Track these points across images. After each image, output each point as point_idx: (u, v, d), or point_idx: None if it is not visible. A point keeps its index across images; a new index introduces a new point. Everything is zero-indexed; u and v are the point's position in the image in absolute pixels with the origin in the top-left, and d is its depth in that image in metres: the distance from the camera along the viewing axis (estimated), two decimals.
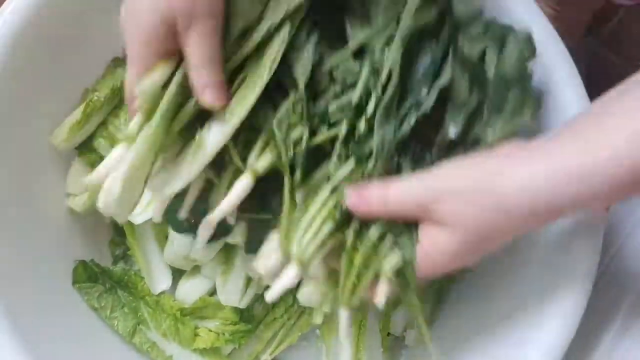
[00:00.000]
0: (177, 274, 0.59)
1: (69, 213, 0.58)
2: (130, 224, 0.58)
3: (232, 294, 0.55)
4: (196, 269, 0.59)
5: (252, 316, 0.56)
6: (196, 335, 0.56)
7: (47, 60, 0.53)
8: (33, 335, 0.48)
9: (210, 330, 0.56)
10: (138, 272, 0.58)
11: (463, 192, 0.38)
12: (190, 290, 0.59)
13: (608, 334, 0.48)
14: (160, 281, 0.58)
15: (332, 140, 0.45)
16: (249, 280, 0.56)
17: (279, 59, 0.44)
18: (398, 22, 0.46)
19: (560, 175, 0.36)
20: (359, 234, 0.42)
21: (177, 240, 0.53)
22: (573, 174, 0.36)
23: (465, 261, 0.40)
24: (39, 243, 0.55)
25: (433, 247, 0.40)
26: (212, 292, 0.58)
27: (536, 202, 0.37)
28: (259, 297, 0.57)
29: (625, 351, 0.46)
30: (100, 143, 0.59)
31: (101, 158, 0.55)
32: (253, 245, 0.49)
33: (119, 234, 0.62)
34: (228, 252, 0.56)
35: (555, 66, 0.50)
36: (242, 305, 0.56)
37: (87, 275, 0.56)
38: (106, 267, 0.58)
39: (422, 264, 0.40)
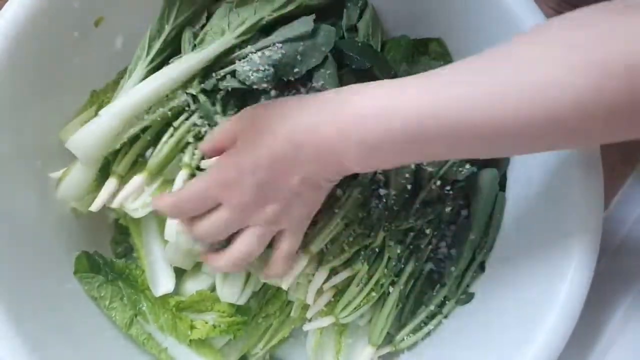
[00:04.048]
0: (178, 273, 0.60)
1: (72, 211, 0.59)
2: (135, 224, 0.59)
3: (231, 291, 0.56)
4: (196, 268, 0.59)
5: (249, 309, 0.57)
6: (192, 327, 0.56)
7: (53, 58, 0.54)
8: (31, 326, 0.49)
9: (207, 323, 0.56)
10: (139, 266, 0.59)
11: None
12: (191, 290, 0.59)
13: (606, 332, 0.47)
14: (163, 284, 0.58)
15: None
16: (247, 278, 0.56)
17: None
18: None
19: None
20: None
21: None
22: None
23: None
24: (42, 240, 0.55)
25: None
26: (212, 289, 0.58)
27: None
28: (255, 293, 0.57)
29: (623, 348, 0.45)
30: None
31: (107, 161, 0.57)
32: None
33: (121, 233, 0.63)
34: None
35: None
36: (241, 302, 0.56)
37: (89, 265, 0.57)
38: (109, 259, 0.59)
39: None
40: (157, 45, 0.57)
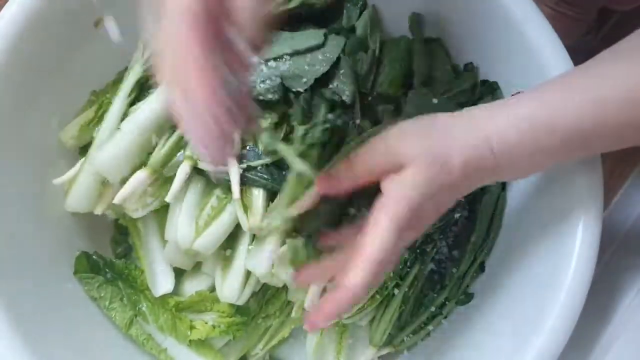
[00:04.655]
0: (177, 273, 0.60)
1: (72, 212, 0.59)
2: (135, 224, 0.59)
3: (230, 291, 0.55)
4: (196, 268, 0.60)
5: (248, 309, 0.57)
6: (192, 327, 0.56)
7: (53, 58, 0.54)
8: (31, 326, 0.49)
9: (206, 323, 0.56)
10: (139, 266, 0.59)
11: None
12: (190, 290, 0.59)
13: (607, 331, 0.47)
14: (162, 284, 0.58)
15: None
16: (247, 278, 0.56)
17: None
18: None
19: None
20: None
21: (181, 231, 0.53)
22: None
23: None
24: (42, 240, 0.56)
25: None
26: (211, 289, 0.58)
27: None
28: (255, 293, 0.57)
29: (624, 346, 0.45)
30: None
31: None
32: None
33: (120, 233, 0.63)
34: (228, 248, 0.56)
35: (553, 66, 0.50)
36: (240, 302, 0.56)
37: (89, 265, 0.57)
38: (108, 258, 0.59)
39: None
40: None
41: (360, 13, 0.58)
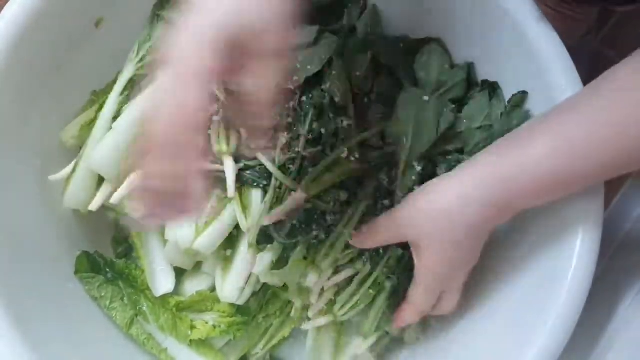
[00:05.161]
0: (178, 273, 0.60)
1: (73, 211, 0.59)
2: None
3: (231, 291, 0.56)
4: (196, 268, 0.60)
5: (249, 309, 0.57)
6: (193, 327, 0.56)
7: (53, 58, 0.54)
8: (32, 326, 0.49)
9: (207, 323, 0.56)
10: (139, 266, 0.59)
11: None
12: (191, 290, 0.59)
13: (608, 331, 0.47)
14: (163, 284, 0.58)
15: None
16: (247, 278, 0.56)
17: None
18: None
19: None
20: None
21: (181, 231, 0.53)
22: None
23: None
24: (43, 239, 0.56)
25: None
26: (212, 289, 0.59)
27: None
28: (255, 293, 0.57)
29: (625, 346, 0.45)
30: None
31: None
32: None
33: (121, 232, 0.63)
34: (228, 248, 0.56)
35: (553, 66, 0.50)
36: (240, 302, 0.56)
37: (90, 265, 0.57)
38: (109, 258, 0.59)
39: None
40: (147, 46, 0.57)
41: (361, 13, 0.58)
